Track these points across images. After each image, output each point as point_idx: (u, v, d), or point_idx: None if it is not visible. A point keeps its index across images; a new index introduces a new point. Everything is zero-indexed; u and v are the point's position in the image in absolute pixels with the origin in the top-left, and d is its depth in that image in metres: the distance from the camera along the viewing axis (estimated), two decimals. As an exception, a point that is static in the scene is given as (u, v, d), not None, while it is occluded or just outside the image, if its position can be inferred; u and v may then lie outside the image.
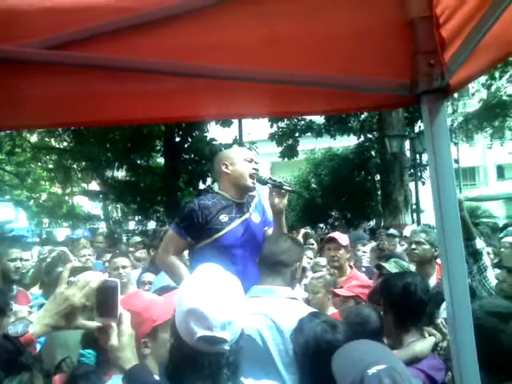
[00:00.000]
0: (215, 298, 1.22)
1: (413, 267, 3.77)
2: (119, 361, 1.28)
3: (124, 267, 3.70)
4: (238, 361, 1.26)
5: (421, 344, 2.17)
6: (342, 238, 3.97)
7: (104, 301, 1.28)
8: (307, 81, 1.31)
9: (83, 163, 16.00)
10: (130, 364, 1.27)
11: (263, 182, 2.69)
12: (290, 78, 1.30)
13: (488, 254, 5.04)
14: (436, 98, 1.25)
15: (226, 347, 1.21)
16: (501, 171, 29.65)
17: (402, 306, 2.20)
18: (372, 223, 16.65)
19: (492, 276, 2.33)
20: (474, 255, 2.52)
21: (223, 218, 2.61)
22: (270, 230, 2.83)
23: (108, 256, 4.75)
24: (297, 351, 1.79)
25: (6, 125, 1.65)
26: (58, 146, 18.55)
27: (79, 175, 17.44)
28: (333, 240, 3.94)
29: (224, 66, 1.28)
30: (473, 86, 20.83)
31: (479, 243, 2.59)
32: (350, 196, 18.71)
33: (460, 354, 1.24)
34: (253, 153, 2.98)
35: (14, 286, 3.59)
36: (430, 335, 2.26)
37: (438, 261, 3.64)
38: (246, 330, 1.33)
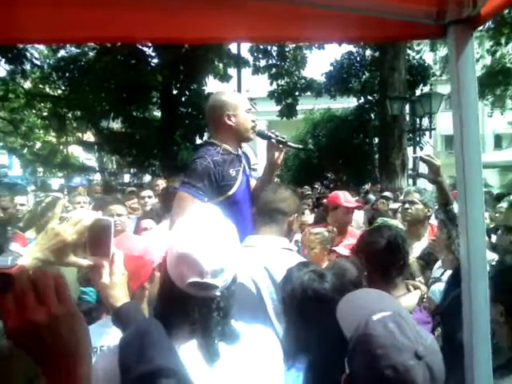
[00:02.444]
0: (208, 244, 1.19)
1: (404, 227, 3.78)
2: (110, 299, 1.27)
3: (119, 215, 3.60)
4: (229, 306, 1.25)
5: (407, 298, 2.15)
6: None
7: (97, 239, 1.23)
8: (324, 3, 1.21)
9: (78, 112, 15.67)
10: (120, 302, 1.25)
11: (266, 137, 2.58)
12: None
13: (485, 219, 5.19)
14: (464, 29, 1.15)
15: (217, 293, 1.20)
16: (498, 140, 29.53)
17: (388, 260, 2.15)
18: (367, 186, 16.63)
19: None
20: (454, 220, 2.48)
21: (232, 172, 2.50)
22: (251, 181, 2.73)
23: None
24: (285, 299, 1.79)
25: (4, 38, 1.55)
26: (52, 93, 18.17)
27: (74, 124, 17.09)
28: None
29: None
30: (477, 52, 20.44)
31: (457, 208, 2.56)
32: (347, 158, 18.61)
33: (473, 310, 1.21)
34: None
35: (9, 228, 3.55)
36: (415, 289, 2.22)
37: (431, 221, 3.63)
38: (239, 279, 1.31)
